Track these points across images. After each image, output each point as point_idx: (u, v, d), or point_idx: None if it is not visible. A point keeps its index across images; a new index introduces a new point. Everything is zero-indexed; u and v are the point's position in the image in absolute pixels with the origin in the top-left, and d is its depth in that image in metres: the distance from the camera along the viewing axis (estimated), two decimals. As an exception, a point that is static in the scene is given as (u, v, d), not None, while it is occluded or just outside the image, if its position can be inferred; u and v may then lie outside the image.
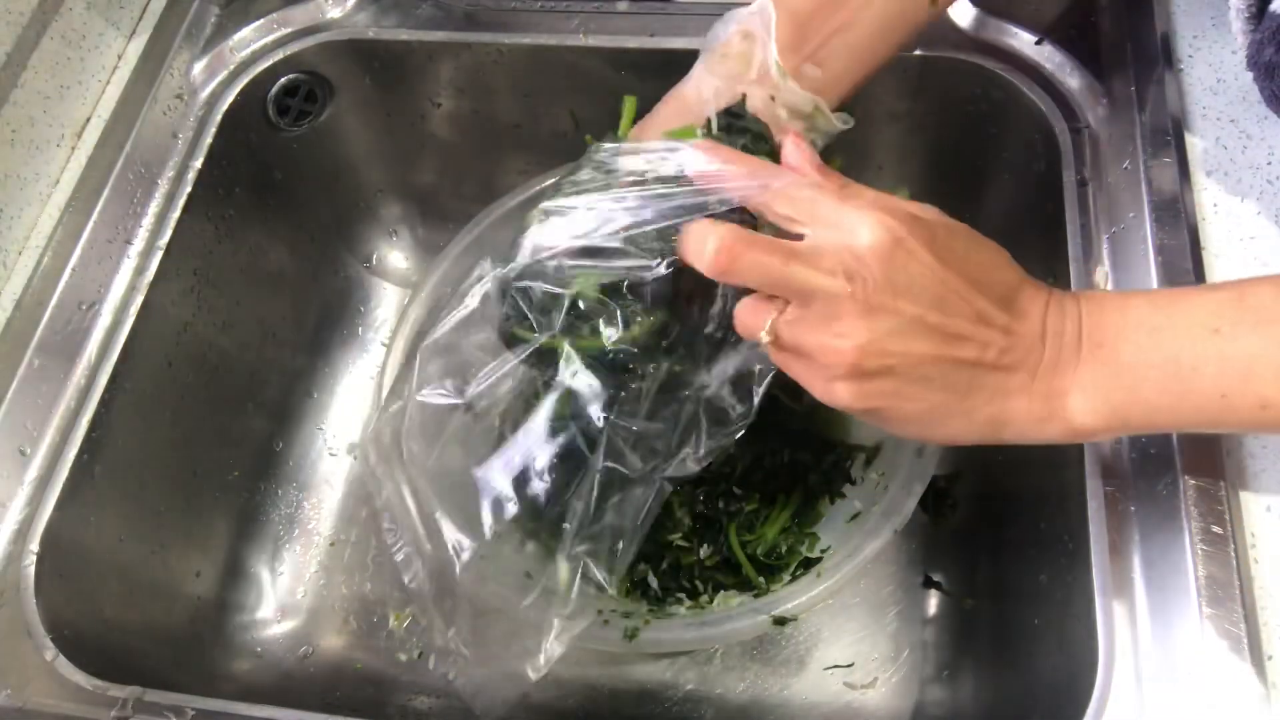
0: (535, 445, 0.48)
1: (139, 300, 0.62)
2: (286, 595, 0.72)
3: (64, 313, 0.62)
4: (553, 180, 0.55)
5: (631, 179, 0.46)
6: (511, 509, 0.49)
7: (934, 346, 0.40)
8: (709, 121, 0.50)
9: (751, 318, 0.42)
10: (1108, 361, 0.41)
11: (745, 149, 0.48)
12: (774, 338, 0.41)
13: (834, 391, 0.41)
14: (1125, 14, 0.64)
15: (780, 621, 0.54)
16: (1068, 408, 0.42)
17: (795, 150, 0.45)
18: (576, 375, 0.47)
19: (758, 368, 0.46)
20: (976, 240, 0.43)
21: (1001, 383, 0.42)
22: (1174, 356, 0.40)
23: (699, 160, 0.44)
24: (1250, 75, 0.50)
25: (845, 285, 0.39)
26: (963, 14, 0.66)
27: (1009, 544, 0.64)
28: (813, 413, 0.69)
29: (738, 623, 0.54)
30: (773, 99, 0.50)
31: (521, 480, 0.49)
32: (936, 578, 0.68)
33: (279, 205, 0.76)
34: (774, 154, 0.49)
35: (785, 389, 0.67)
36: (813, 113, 0.51)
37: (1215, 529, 0.47)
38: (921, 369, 0.40)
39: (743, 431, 0.47)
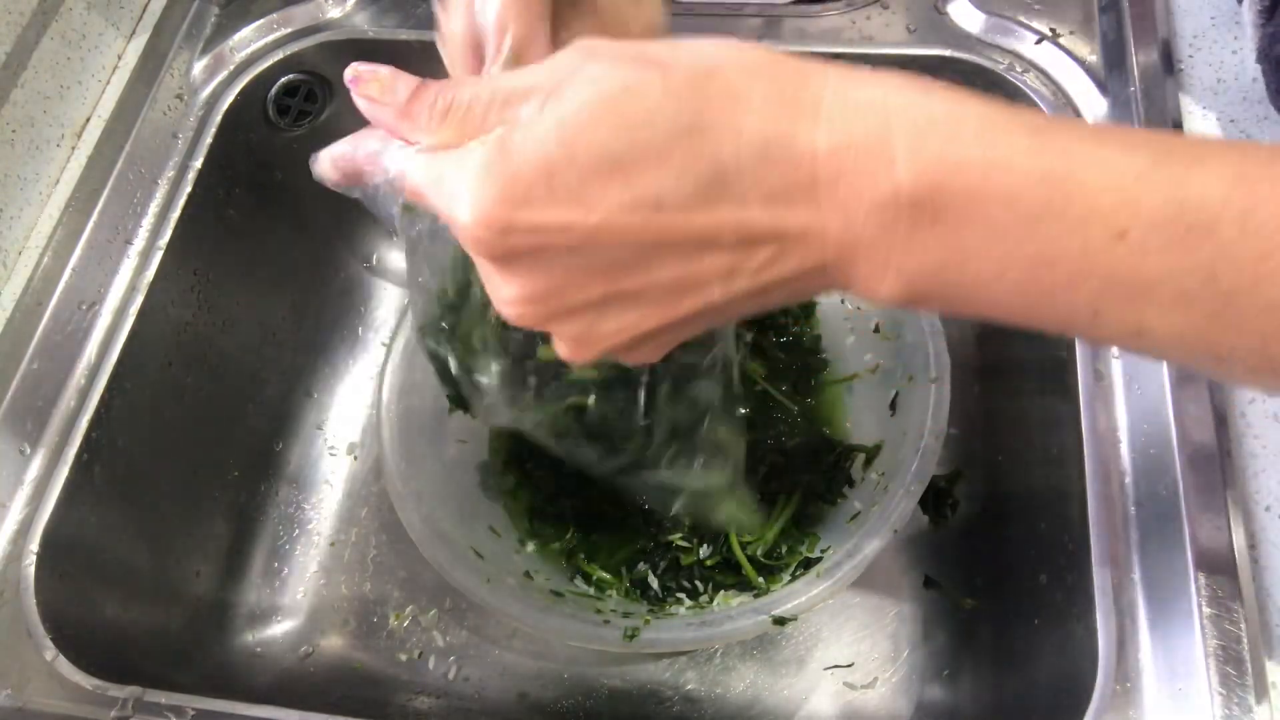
0: None
1: (139, 300, 0.62)
2: (286, 595, 0.72)
3: (64, 313, 0.62)
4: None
5: None
6: None
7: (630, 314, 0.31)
8: None
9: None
10: (940, 247, 0.28)
11: None
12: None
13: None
14: (1125, 14, 0.64)
15: (780, 621, 0.54)
16: (857, 280, 0.30)
17: (358, 86, 0.34)
18: None
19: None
20: (622, 130, 0.28)
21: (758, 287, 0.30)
22: (1048, 261, 0.27)
23: (322, 164, 0.37)
24: (1250, 76, 0.50)
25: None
26: (963, 13, 0.67)
27: (1009, 544, 0.64)
28: (811, 412, 0.69)
29: (738, 623, 0.54)
30: None
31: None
32: (936, 578, 0.68)
33: (279, 205, 0.76)
34: None
35: (783, 388, 0.67)
36: None
37: (1215, 528, 0.47)
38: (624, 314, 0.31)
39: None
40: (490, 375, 0.45)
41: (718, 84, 0.28)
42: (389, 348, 0.65)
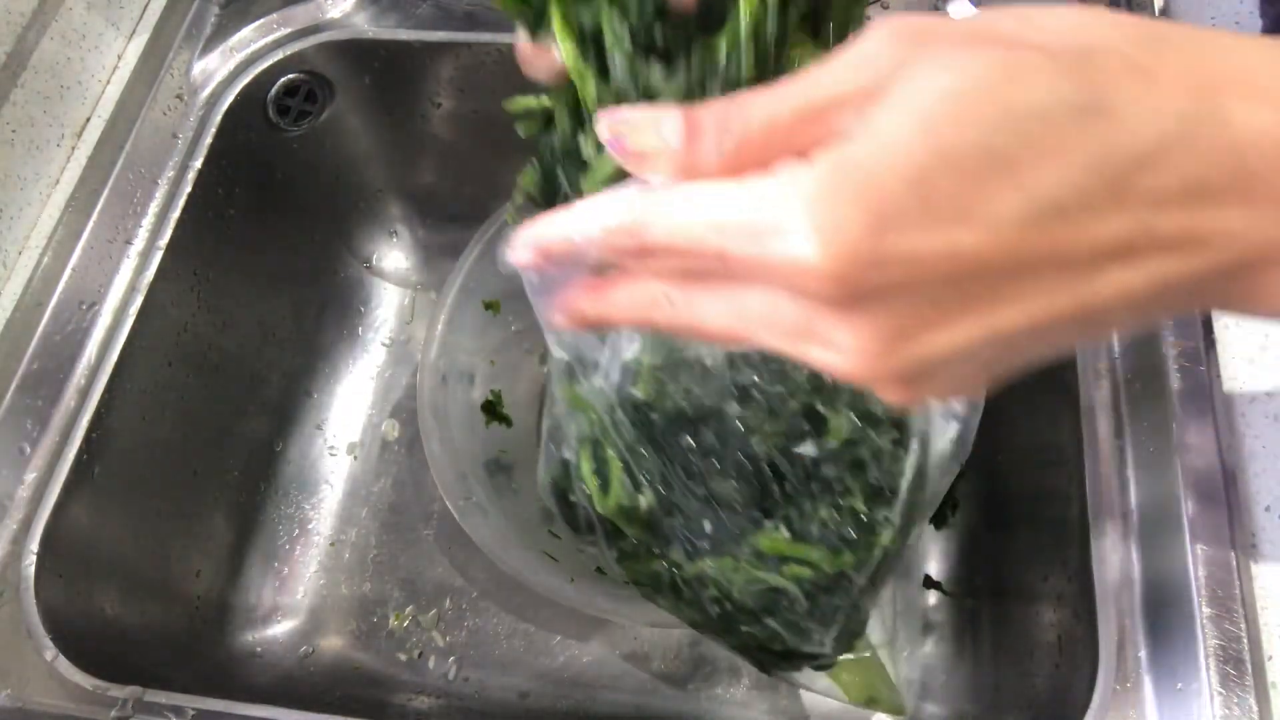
0: None
1: (139, 300, 0.62)
2: (286, 595, 0.72)
3: (64, 313, 0.62)
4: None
5: None
6: None
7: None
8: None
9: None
10: None
11: None
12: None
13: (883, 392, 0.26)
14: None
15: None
16: (1265, 290, 0.24)
17: (623, 142, 0.26)
18: None
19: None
20: (1008, 121, 0.21)
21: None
22: None
23: (522, 254, 0.28)
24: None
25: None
26: (963, 14, 0.66)
27: (1009, 544, 0.64)
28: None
29: None
30: None
31: None
32: (936, 578, 0.68)
33: (279, 205, 0.76)
34: None
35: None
36: None
37: (1215, 529, 0.47)
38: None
39: None
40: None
41: (1114, 58, 0.22)
42: (421, 365, 0.64)
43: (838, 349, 0.24)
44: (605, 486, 0.41)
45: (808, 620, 0.43)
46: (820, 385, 0.40)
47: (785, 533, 0.41)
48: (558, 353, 0.40)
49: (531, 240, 0.28)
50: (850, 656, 0.47)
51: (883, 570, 0.43)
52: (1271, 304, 0.24)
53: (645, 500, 0.41)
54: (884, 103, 0.22)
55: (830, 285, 0.22)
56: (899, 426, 0.41)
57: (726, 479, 0.40)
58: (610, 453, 0.41)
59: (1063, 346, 0.25)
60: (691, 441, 0.40)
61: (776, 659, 0.47)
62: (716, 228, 0.24)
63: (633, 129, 0.25)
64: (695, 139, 0.25)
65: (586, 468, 0.41)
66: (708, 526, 0.41)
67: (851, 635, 0.45)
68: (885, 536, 0.41)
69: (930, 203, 0.21)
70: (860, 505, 0.41)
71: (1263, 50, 0.23)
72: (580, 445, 0.41)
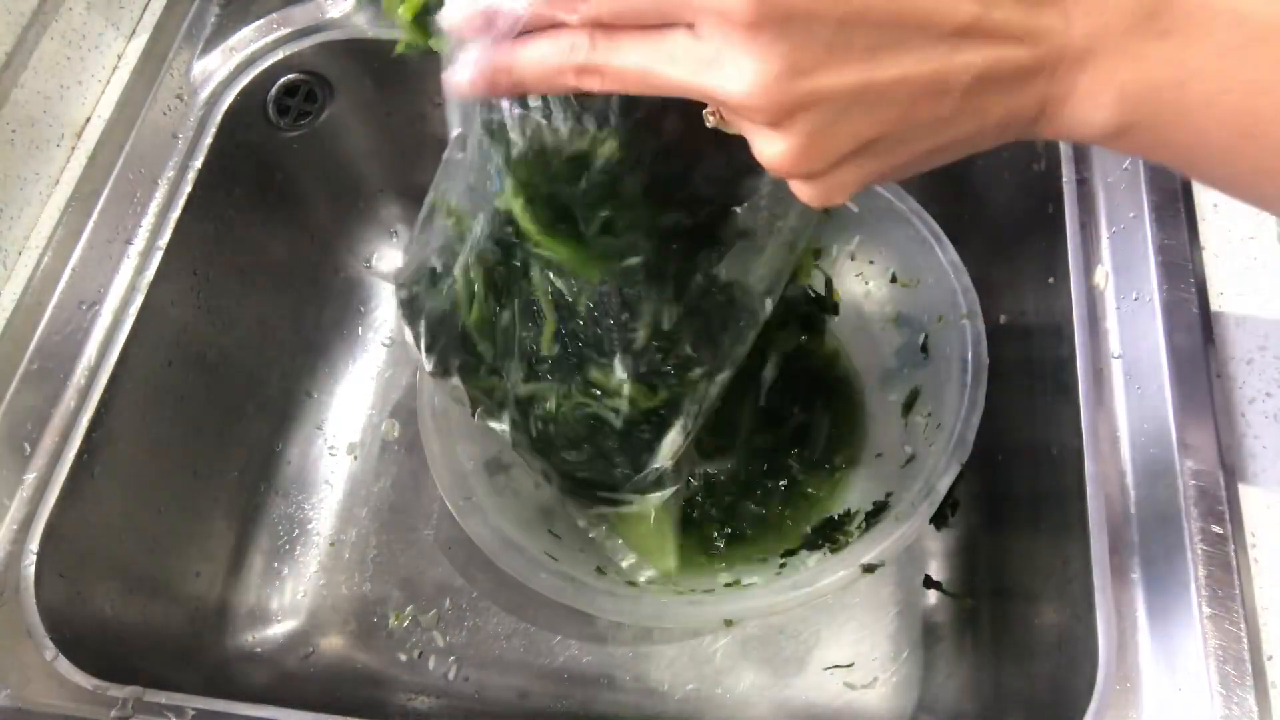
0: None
1: (139, 300, 0.62)
2: (286, 595, 0.72)
3: (64, 313, 0.62)
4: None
5: None
6: None
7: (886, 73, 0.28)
8: None
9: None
10: (1165, 63, 0.28)
11: None
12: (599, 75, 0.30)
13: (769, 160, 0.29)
14: None
15: (869, 569, 0.54)
16: (1074, 97, 0.30)
17: None
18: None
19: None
20: None
21: (1011, 96, 0.30)
22: (1264, 88, 0.28)
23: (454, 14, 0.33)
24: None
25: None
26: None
27: (1009, 544, 0.64)
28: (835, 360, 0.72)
29: (828, 578, 0.54)
30: None
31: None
32: (936, 578, 0.68)
33: (279, 205, 0.76)
34: None
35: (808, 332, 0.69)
36: None
37: (1215, 529, 0.47)
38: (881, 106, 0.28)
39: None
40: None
41: None
42: (420, 369, 0.64)
43: (740, 72, 0.27)
44: (470, 300, 0.44)
45: (617, 454, 0.49)
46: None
47: (619, 371, 0.45)
48: (454, 149, 0.42)
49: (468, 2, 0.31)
50: (635, 508, 0.54)
51: (688, 411, 0.48)
52: (1080, 109, 0.29)
53: (503, 319, 0.44)
54: None
55: (748, 6, 0.26)
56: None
57: (574, 318, 0.44)
58: (477, 269, 0.44)
59: (922, 142, 0.29)
60: (553, 278, 0.43)
61: (576, 486, 0.53)
62: None
63: None
64: None
65: (461, 278, 0.43)
66: (552, 350, 0.45)
67: (650, 486, 0.51)
68: (696, 374, 0.47)
69: None
70: (686, 350, 0.45)
71: None
72: (451, 255, 0.44)
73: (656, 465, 0.50)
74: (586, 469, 0.52)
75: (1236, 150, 0.29)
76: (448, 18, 0.32)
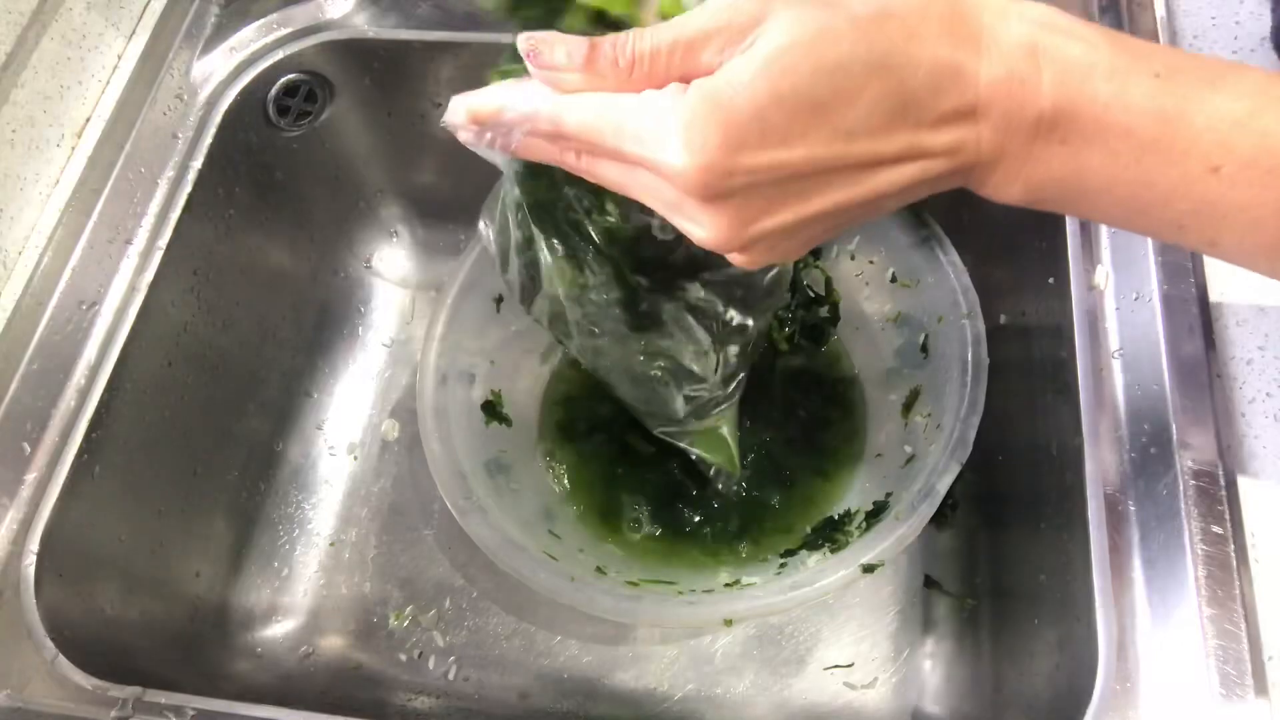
0: None
1: (139, 300, 0.62)
2: (286, 595, 0.72)
3: (64, 313, 0.62)
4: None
5: None
6: None
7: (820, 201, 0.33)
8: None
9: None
10: (1064, 164, 0.34)
11: None
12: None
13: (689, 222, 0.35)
14: (1125, 14, 0.64)
15: (869, 569, 0.54)
16: (989, 184, 0.35)
17: (538, 57, 0.35)
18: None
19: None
20: (821, 74, 0.31)
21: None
22: (1149, 183, 0.33)
23: (456, 115, 0.37)
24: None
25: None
26: None
27: (1009, 544, 0.64)
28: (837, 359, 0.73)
29: (827, 578, 0.54)
30: None
31: None
32: (936, 578, 0.68)
33: (279, 205, 0.76)
34: None
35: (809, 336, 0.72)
36: None
37: (1215, 529, 0.47)
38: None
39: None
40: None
41: (895, 25, 0.31)
42: (421, 366, 0.64)
43: (700, 226, 0.34)
44: (563, 274, 0.50)
45: (670, 390, 0.58)
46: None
47: (661, 340, 0.54)
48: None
49: (465, 105, 0.37)
50: (699, 426, 0.62)
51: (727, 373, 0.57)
52: (993, 190, 0.35)
53: (585, 291, 0.51)
54: (743, 51, 0.31)
55: (695, 187, 0.32)
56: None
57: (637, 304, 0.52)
58: (565, 251, 0.50)
59: (855, 221, 0.35)
60: (628, 263, 0.50)
61: (645, 415, 0.63)
62: (615, 130, 0.33)
63: (546, 45, 0.34)
64: (595, 58, 0.33)
65: (557, 261, 0.50)
66: (612, 323, 0.53)
67: (702, 413, 0.60)
68: (731, 351, 0.56)
69: (765, 132, 0.31)
70: (726, 317, 0.54)
71: (1000, 16, 0.33)
72: (547, 238, 0.50)
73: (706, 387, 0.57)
74: (647, 403, 0.61)
75: (1130, 223, 0.35)
76: (450, 118, 0.38)
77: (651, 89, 0.33)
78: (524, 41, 0.34)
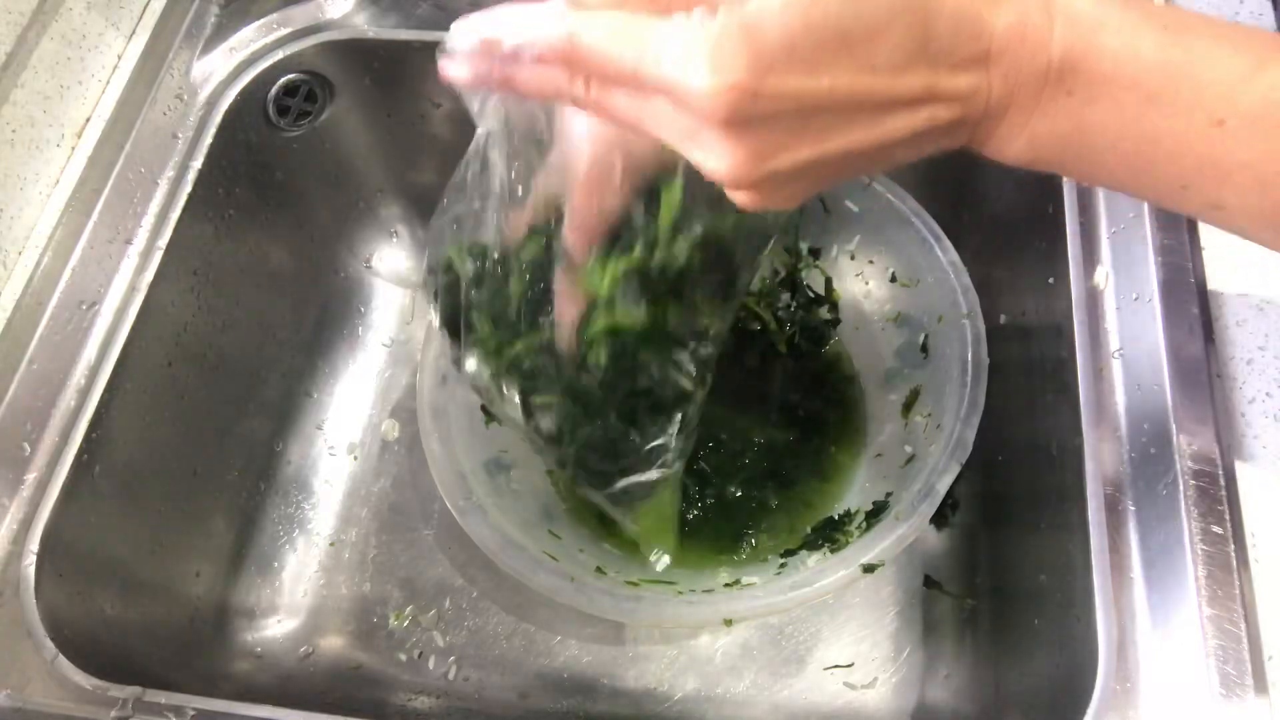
0: None
1: (139, 300, 0.62)
2: (286, 595, 0.72)
3: (64, 313, 0.62)
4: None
5: None
6: None
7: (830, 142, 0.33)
8: None
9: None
10: (1069, 117, 0.34)
11: None
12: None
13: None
14: None
15: (869, 569, 0.54)
16: (993, 138, 0.35)
17: None
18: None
19: None
20: (849, 5, 0.31)
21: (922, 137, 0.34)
22: (1154, 138, 0.33)
23: (463, 39, 0.35)
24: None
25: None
26: None
27: (1009, 544, 0.64)
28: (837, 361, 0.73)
29: (828, 578, 0.54)
30: None
31: None
32: (936, 578, 0.68)
33: (279, 205, 0.76)
34: None
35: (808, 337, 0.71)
36: None
37: (1215, 529, 0.47)
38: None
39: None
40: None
41: None
42: (421, 367, 0.64)
43: (716, 155, 0.32)
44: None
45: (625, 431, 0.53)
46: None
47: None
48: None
49: (471, 28, 0.34)
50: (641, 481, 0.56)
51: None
52: (997, 146, 0.35)
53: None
54: None
55: (719, 108, 0.30)
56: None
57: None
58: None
59: (864, 171, 0.36)
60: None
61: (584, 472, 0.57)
62: (636, 50, 0.31)
63: None
64: None
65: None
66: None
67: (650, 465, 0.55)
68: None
69: (794, 59, 0.30)
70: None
71: None
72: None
73: (660, 441, 0.53)
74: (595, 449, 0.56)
75: (1134, 182, 0.35)
76: (454, 42, 0.35)
77: (678, 9, 0.31)
78: None
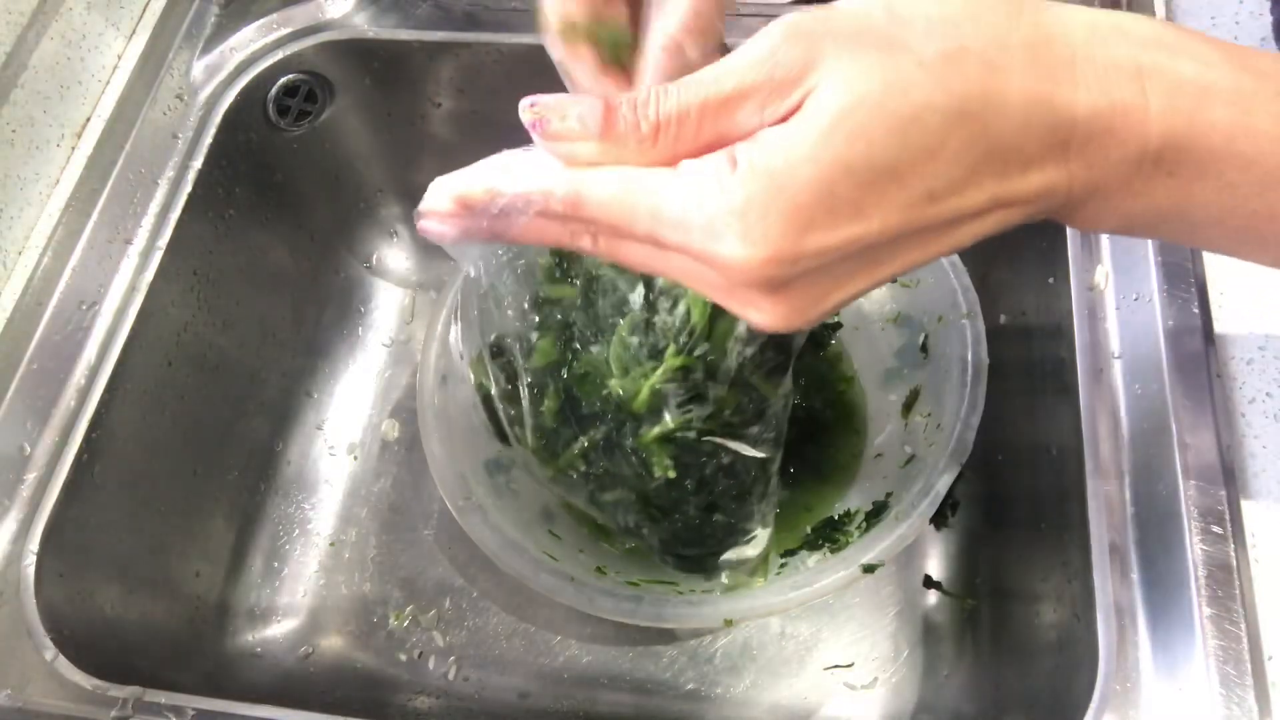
0: None
1: (139, 300, 0.62)
2: (286, 595, 0.72)
3: (64, 313, 0.62)
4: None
5: None
6: None
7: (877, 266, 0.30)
8: None
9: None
10: (1169, 196, 0.29)
11: None
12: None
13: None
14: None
15: (869, 569, 0.54)
16: (1078, 218, 0.31)
17: (544, 126, 0.29)
18: None
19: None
20: (894, 134, 0.27)
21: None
22: (1271, 216, 0.29)
23: (439, 201, 0.32)
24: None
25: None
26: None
27: (1009, 544, 0.64)
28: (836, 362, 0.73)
29: (828, 578, 0.54)
30: None
31: None
32: (936, 578, 0.68)
33: (279, 205, 0.76)
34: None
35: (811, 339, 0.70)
36: None
37: (1215, 529, 0.47)
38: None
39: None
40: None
41: (972, 61, 0.27)
42: (421, 364, 0.64)
43: (759, 312, 0.29)
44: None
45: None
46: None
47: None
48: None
49: (450, 189, 0.31)
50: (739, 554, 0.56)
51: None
52: (1082, 222, 0.31)
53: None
54: (792, 110, 0.27)
55: (758, 279, 0.28)
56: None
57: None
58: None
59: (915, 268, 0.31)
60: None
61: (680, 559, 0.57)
62: (651, 214, 0.28)
63: (554, 112, 0.29)
64: (612, 123, 0.28)
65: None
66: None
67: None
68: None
69: (835, 208, 0.27)
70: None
71: (1094, 35, 0.28)
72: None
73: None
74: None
75: (1241, 251, 0.32)
76: (430, 203, 0.32)
77: (687, 160, 0.28)
78: (527, 110, 0.29)
